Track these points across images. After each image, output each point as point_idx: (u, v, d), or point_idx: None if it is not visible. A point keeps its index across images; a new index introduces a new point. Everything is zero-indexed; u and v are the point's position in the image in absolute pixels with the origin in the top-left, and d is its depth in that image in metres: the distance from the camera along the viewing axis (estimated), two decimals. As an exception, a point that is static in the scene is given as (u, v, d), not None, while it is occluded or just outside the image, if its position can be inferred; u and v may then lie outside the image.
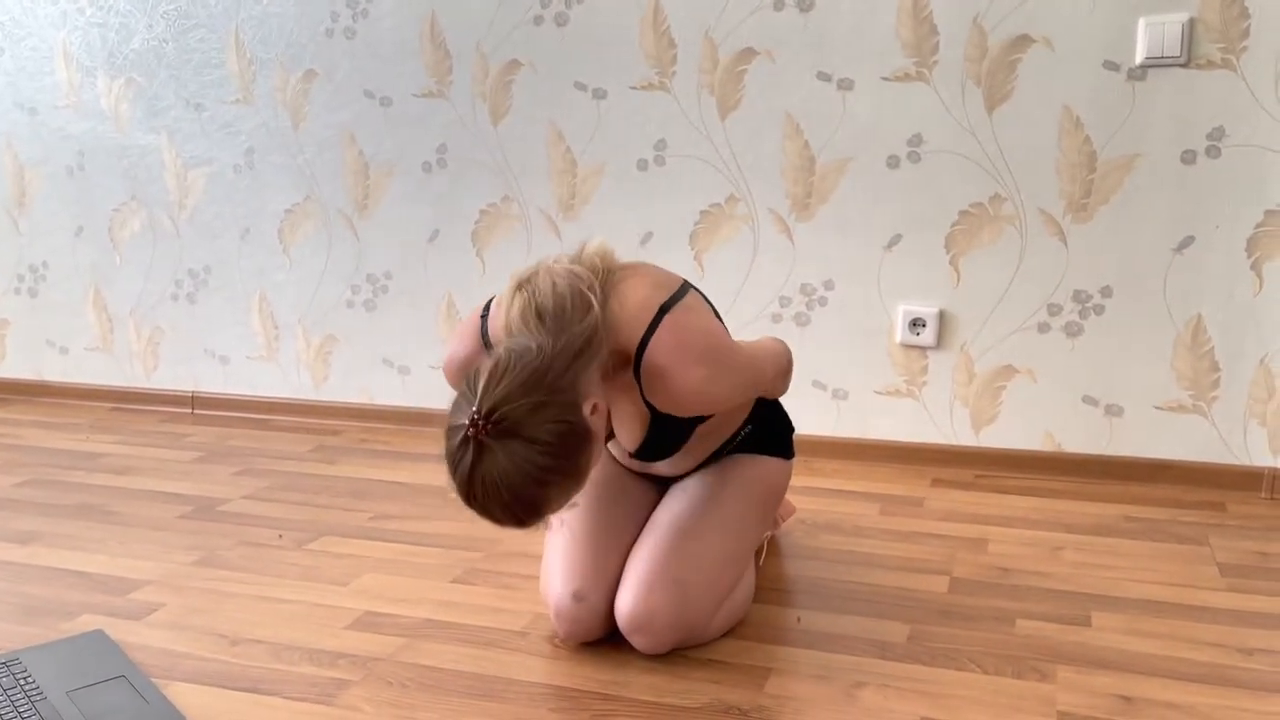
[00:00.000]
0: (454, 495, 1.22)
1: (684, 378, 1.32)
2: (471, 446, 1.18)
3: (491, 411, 1.17)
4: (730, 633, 1.52)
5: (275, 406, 2.96)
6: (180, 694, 1.37)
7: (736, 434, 1.61)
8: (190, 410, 3.06)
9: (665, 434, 1.47)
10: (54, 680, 1.38)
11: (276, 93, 2.78)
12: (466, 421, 1.18)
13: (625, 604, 1.44)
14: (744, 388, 1.45)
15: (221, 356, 3.01)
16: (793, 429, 1.72)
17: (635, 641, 1.44)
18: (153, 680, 1.40)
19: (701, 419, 1.48)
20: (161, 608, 1.65)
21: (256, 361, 2.98)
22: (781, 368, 1.63)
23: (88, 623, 1.59)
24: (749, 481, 1.59)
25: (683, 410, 1.39)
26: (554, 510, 1.25)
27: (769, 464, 1.63)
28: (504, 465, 1.17)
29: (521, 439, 1.18)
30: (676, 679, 1.40)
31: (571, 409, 1.21)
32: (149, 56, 2.89)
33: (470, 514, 1.22)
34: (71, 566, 1.83)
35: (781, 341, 1.67)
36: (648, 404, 1.40)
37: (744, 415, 1.61)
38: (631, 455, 1.55)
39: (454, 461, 1.21)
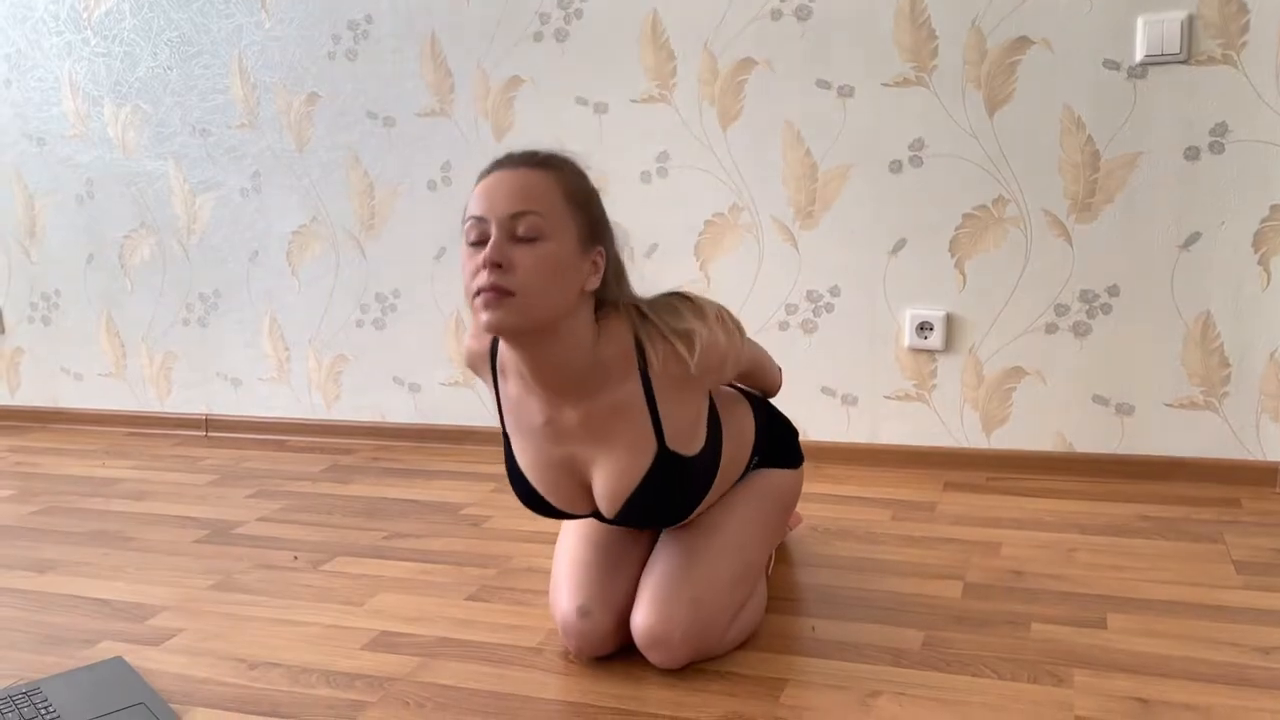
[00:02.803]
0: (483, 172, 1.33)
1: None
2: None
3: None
4: (745, 644, 1.52)
5: (288, 427, 2.98)
6: (199, 719, 1.38)
7: (743, 473, 1.61)
8: (204, 433, 3.08)
9: (666, 482, 1.38)
10: (74, 709, 1.39)
11: (280, 116, 2.81)
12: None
13: (641, 621, 1.44)
14: (746, 354, 1.50)
15: (233, 379, 3.03)
16: (796, 433, 1.72)
17: (651, 657, 1.44)
18: (172, 706, 1.41)
19: (714, 466, 1.44)
20: (180, 633, 1.66)
21: (268, 383, 2.99)
22: (768, 364, 1.66)
23: (107, 650, 1.60)
24: (759, 495, 1.59)
25: (699, 370, 1.34)
26: (556, 180, 1.29)
27: (777, 476, 1.64)
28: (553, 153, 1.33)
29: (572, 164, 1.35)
30: (692, 692, 1.40)
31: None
32: (154, 84, 2.92)
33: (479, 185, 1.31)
34: (90, 594, 1.85)
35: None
36: (657, 430, 1.36)
37: (747, 455, 1.60)
38: (616, 515, 1.42)
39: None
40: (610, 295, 1.36)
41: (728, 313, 1.42)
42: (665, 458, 1.38)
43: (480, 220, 1.27)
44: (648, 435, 1.37)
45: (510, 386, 1.42)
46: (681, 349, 1.33)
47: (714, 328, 1.36)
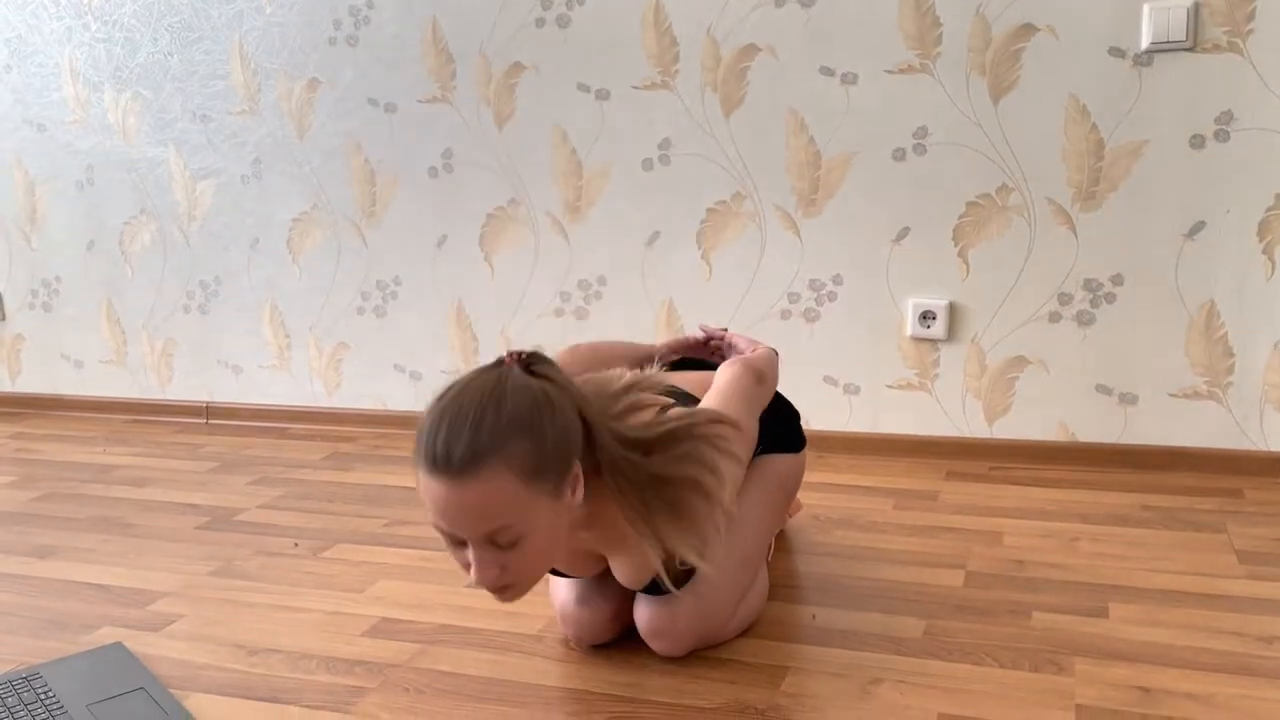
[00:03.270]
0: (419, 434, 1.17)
1: None
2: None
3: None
4: (746, 632, 1.52)
5: (289, 415, 2.98)
6: (199, 705, 1.38)
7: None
8: (205, 421, 3.08)
9: (680, 571, 1.35)
10: (74, 694, 1.38)
11: (281, 102, 2.79)
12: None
13: (644, 611, 1.44)
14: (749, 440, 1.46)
15: (234, 366, 3.03)
16: (798, 416, 1.71)
17: (655, 646, 1.44)
18: (172, 692, 1.41)
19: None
20: (180, 619, 1.66)
21: (269, 371, 2.99)
22: (774, 380, 1.59)
23: (107, 635, 1.60)
24: (761, 483, 1.58)
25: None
26: (492, 465, 1.11)
27: (778, 461, 1.63)
28: (514, 395, 1.15)
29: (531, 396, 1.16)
30: (693, 680, 1.39)
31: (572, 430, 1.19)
32: (154, 70, 2.91)
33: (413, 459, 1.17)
34: (90, 579, 1.84)
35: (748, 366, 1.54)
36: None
37: (751, 455, 1.57)
38: (643, 591, 1.44)
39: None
40: (601, 466, 1.24)
41: (731, 435, 1.32)
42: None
43: (449, 533, 1.18)
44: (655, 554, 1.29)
45: None
46: (691, 560, 1.26)
47: (722, 508, 1.28)
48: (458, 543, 1.19)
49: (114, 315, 3.13)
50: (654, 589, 1.41)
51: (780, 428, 1.66)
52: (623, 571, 1.40)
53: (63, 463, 2.68)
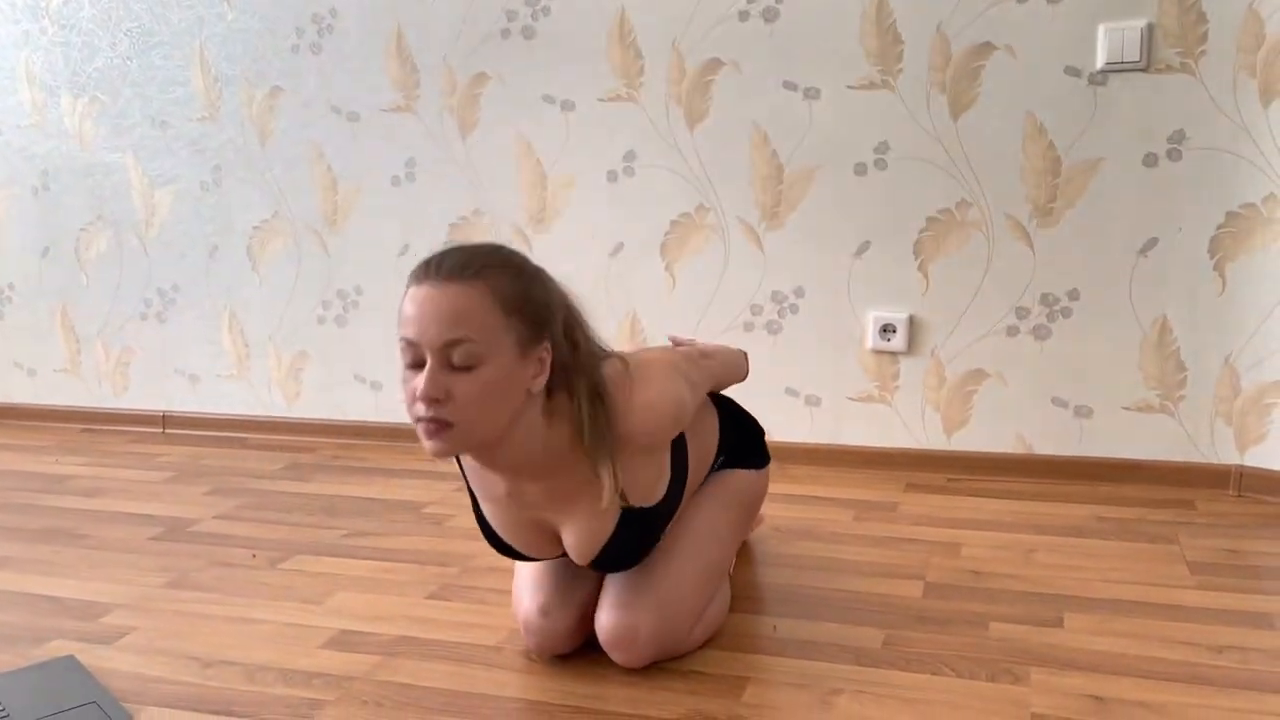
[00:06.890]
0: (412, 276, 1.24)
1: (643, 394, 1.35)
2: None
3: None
4: (707, 643, 1.52)
5: (247, 425, 2.94)
6: (152, 719, 1.36)
7: (710, 471, 1.62)
8: (161, 430, 3.03)
9: (635, 534, 1.38)
10: (24, 708, 1.36)
11: (243, 109, 2.77)
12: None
13: (605, 621, 1.43)
14: (703, 388, 1.54)
15: (192, 375, 2.99)
16: (762, 432, 1.73)
17: (615, 657, 1.44)
18: (125, 706, 1.38)
19: (680, 496, 1.44)
20: (133, 631, 1.63)
21: (227, 380, 2.95)
22: (730, 365, 1.68)
23: (58, 648, 1.57)
24: (724, 495, 1.59)
25: (646, 426, 1.33)
26: (485, 303, 1.20)
27: (742, 477, 1.64)
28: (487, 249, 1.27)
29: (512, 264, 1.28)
30: (654, 690, 1.39)
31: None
32: (113, 75, 2.87)
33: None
34: (41, 591, 1.81)
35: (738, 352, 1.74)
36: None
37: (711, 457, 1.60)
38: (589, 565, 1.42)
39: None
40: (564, 377, 1.30)
41: (680, 359, 1.48)
42: (630, 515, 1.37)
43: (413, 344, 1.21)
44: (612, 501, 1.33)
45: (470, 459, 1.38)
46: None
47: (670, 394, 1.37)
48: (414, 365, 1.22)
49: (68, 323, 3.08)
50: (609, 561, 1.40)
51: (744, 443, 1.67)
52: (575, 536, 1.38)
53: (14, 472, 2.63)
